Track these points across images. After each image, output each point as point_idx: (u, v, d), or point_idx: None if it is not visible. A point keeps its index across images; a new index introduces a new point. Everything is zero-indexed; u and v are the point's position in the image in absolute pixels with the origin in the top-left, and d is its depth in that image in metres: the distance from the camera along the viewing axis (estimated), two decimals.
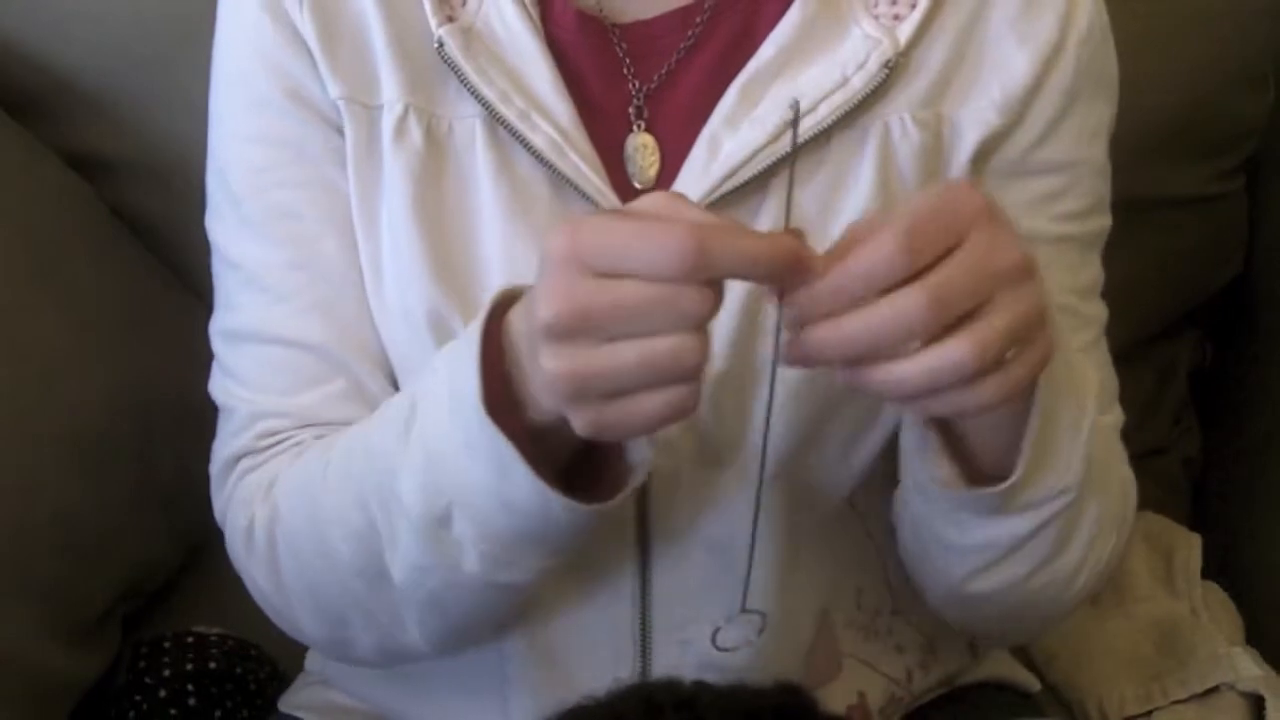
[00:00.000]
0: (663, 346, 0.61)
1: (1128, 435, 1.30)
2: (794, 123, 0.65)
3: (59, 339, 1.06)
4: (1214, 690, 1.03)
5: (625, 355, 0.62)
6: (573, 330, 0.62)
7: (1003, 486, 0.72)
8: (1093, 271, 0.88)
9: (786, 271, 0.62)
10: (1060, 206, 0.84)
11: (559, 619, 0.83)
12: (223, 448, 0.87)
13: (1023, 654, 1.09)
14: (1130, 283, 1.22)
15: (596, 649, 0.84)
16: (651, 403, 0.63)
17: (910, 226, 0.61)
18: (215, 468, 0.88)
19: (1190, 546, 1.17)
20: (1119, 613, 1.13)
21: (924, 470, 0.74)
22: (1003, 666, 1.00)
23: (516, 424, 0.68)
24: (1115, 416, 0.89)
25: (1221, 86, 1.22)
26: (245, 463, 0.85)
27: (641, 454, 0.71)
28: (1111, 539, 0.81)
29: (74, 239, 1.13)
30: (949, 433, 0.74)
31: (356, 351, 0.84)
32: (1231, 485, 1.26)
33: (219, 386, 0.88)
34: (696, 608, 0.83)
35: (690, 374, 0.62)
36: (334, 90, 0.82)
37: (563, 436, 0.68)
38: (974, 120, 0.81)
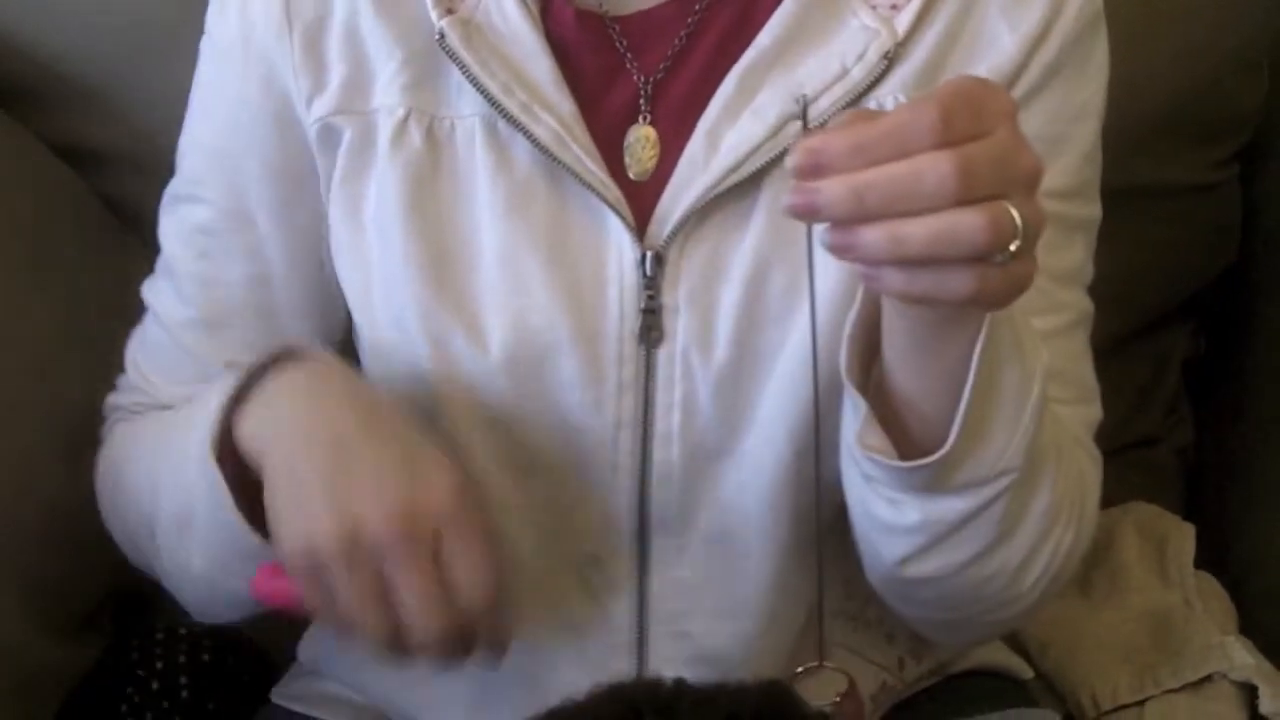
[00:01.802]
0: None
1: (1121, 425, 1.31)
2: (803, 116, 0.64)
3: (49, 330, 1.06)
4: (1207, 679, 1.03)
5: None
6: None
7: (936, 457, 0.70)
8: (1073, 258, 0.86)
9: None
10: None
11: (555, 611, 0.83)
12: (114, 393, 0.95)
13: (1015, 642, 1.09)
14: (1124, 272, 1.22)
15: (593, 643, 0.84)
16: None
17: (945, 100, 0.59)
18: (106, 406, 0.95)
19: (1183, 536, 1.17)
20: (1112, 602, 1.13)
21: (857, 439, 0.73)
22: (996, 654, 1.00)
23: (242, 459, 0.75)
24: (1089, 412, 0.87)
25: (1216, 75, 1.22)
26: (119, 415, 0.93)
27: None
28: (1067, 536, 0.79)
29: (65, 231, 1.13)
30: (884, 403, 0.73)
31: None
32: (1225, 475, 1.26)
33: (136, 336, 0.94)
34: (694, 601, 0.83)
35: None
36: (322, 109, 0.83)
37: None
38: None
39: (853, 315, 0.73)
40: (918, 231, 0.59)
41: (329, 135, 0.83)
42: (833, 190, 0.59)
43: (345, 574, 0.69)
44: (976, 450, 0.71)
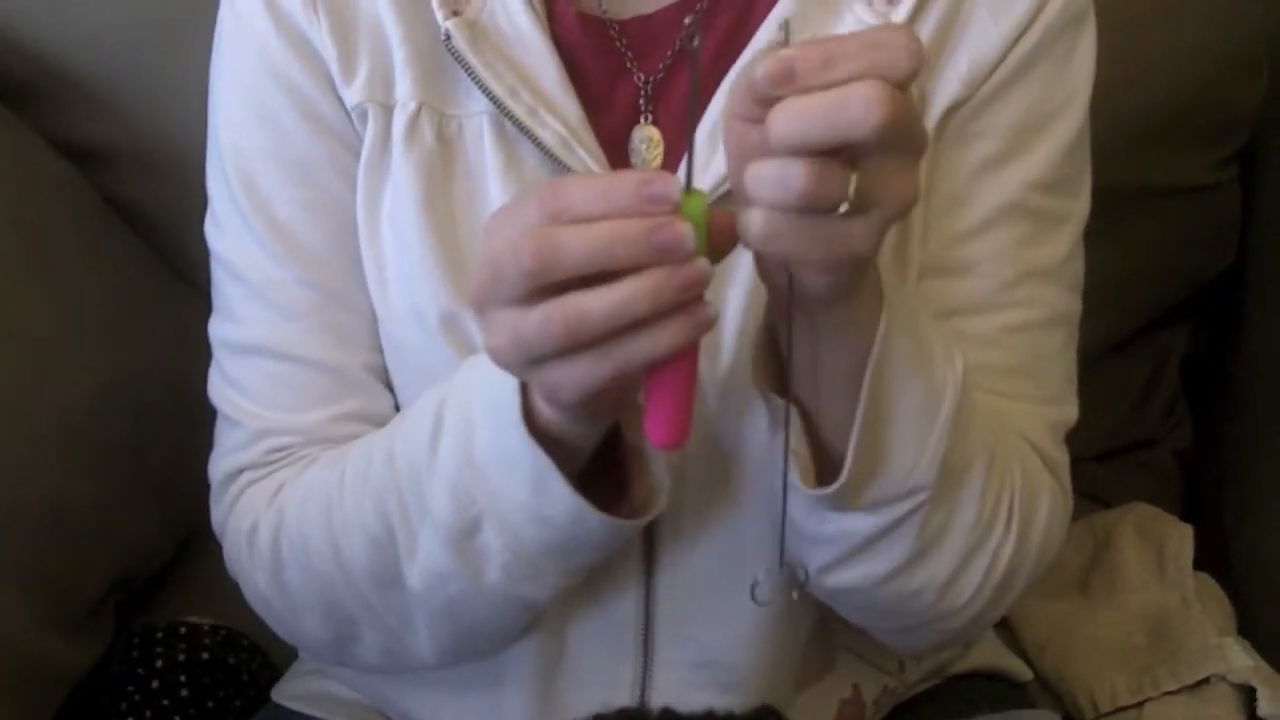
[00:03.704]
0: (532, 317, 0.60)
1: (1121, 426, 1.32)
2: (785, 38, 0.61)
3: (52, 328, 1.06)
4: (1205, 681, 1.03)
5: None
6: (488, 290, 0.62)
7: (833, 488, 0.70)
8: (1051, 253, 0.84)
9: (637, 199, 0.59)
10: (1014, 173, 0.82)
11: (562, 613, 0.83)
12: (225, 460, 0.87)
13: (1014, 644, 1.09)
14: (1124, 272, 1.23)
15: (599, 645, 0.84)
16: (564, 371, 0.62)
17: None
18: (216, 478, 0.88)
19: (1182, 537, 1.17)
20: (1110, 603, 1.13)
21: (774, 442, 0.73)
22: (994, 656, 1.00)
23: (543, 436, 0.69)
24: (1056, 413, 0.85)
25: (1215, 76, 1.22)
26: (248, 475, 0.86)
27: (661, 477, 0.74)
28: (1006, 546, 0.77)
29: (67, 228, 1.13)
30: (804, 415, 0.72)
31: (367, 374, 0.85)
32: (1223, 476, 1.26)
33: (220, 394, 0.87)
34: (699, 605, 0.83)
35: (566, 345, 0.60)
36: (354, 96, 0.81)
37: (572, 449, 0.70)
38: (942, 91, 0.80)
39: (759, 326, 0.72)
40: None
41: (362, 120, 0.82)
42: (788, 111, 0.57)
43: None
44: (879, 470, 0.71)
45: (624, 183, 0.60)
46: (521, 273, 0.59)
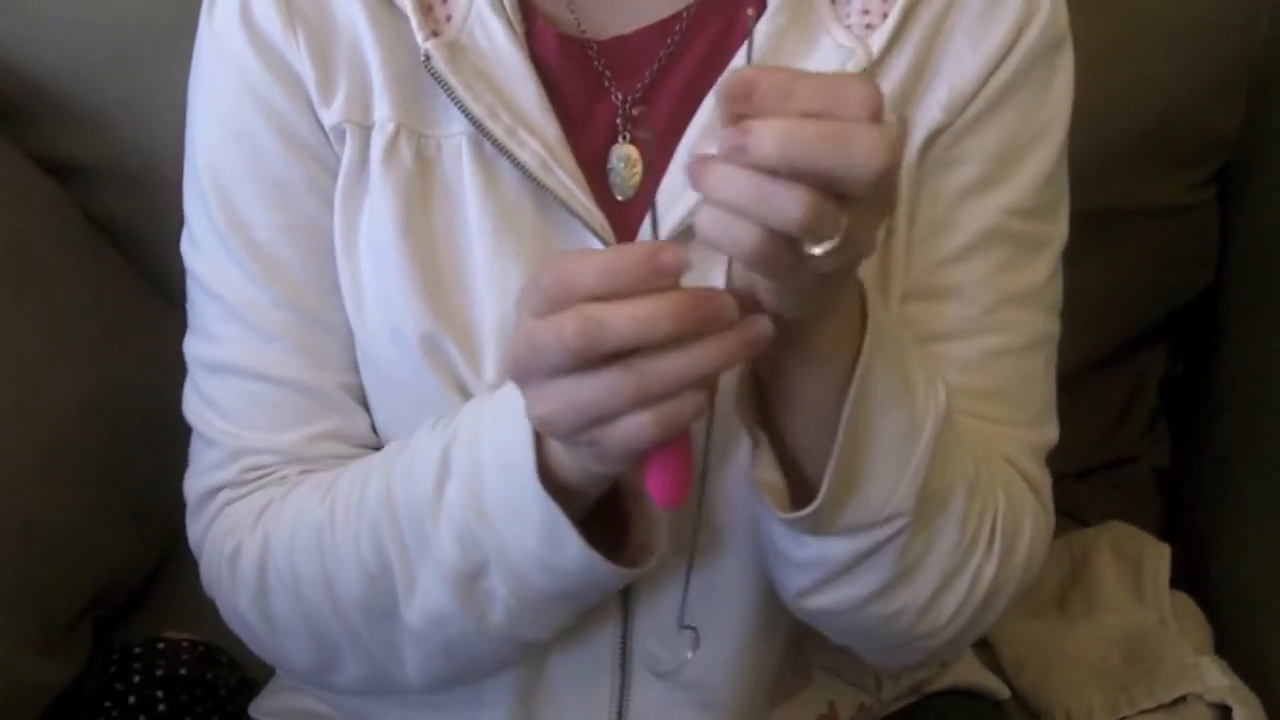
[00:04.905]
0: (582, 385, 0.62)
1: (1100, 444, 1.32)
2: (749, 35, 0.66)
3: (31, 344, 1.06)
4: (1181, 700, 1.03)
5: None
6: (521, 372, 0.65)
7: (807, 511, 0.71)
8: (1031, 278, 0.85)
9: (644, 272, 0.60)
10: (995, 199, 0.82)
11: None
12: (201, 478, 0.87)
13: (992, 661, 1.09)
14: (1102, 293, 1.24)
15: (577, 666, 0.84)
16: (619, 431, 0.63)
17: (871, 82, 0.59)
18: (192, 497, 0.88)
19: (1159, 556, 1.17)
20: (1087, 622, 1.14)
21: (751, 474, 0.73)
22: (972, 674, 1.01)
23: (554, 486, 0.69)
24: (1037, 435, 0.85)
25: (1192, 99, 1.23)
26: (226, 494, 0.85)
27: (660, 516, 0.74)
28: (988, 569, 0.77)
29: (48, 244, 1.13)
30: (779, 441, 0.73)
31: (343, 393, 0.85)
32: (1201, 495, 1.26)
33: (195, 412, 0.87)
34: (676, 624, 0.83)
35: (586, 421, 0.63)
36: (332, 117, 0.81)
37: (581, 496, 0.71)
38: (923, 118, 0.81)
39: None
40: (745, 184, 0.58)
41: (340, 140, 0.82)
42: (768, 133, 0.57)
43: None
44: (856, 497, 0.72)
45: (629, 258, 0.61)
46: (566, 351, 0.61)
